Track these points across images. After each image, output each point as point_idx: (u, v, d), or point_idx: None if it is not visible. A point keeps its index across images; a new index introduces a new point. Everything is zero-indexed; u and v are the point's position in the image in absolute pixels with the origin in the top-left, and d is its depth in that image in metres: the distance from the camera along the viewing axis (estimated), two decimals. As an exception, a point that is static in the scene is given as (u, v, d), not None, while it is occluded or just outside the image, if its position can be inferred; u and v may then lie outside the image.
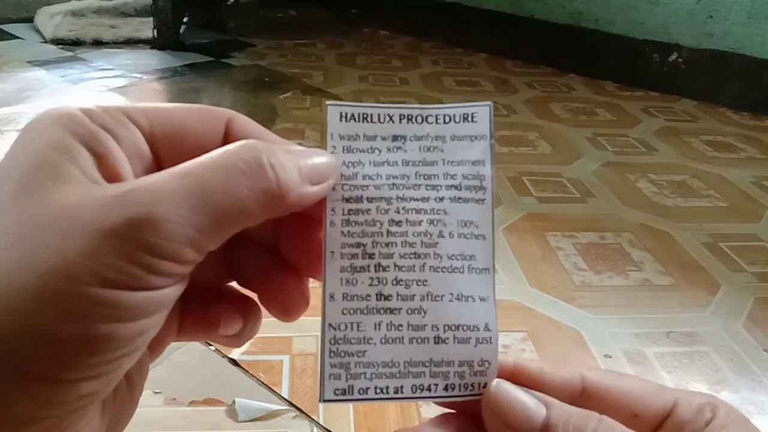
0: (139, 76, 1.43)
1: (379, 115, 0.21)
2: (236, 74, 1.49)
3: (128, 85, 1.37)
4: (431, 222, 0.20)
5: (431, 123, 0.21)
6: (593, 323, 0.66)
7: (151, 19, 1.66)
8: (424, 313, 0.20)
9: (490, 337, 0.20)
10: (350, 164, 0.20)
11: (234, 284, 0.22)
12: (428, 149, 0.21)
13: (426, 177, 0.20)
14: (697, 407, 0.19)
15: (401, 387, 0.19)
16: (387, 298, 0.19)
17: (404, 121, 0.21)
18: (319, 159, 0.19)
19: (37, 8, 1.87)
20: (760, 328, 0.67)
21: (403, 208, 0.20)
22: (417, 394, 0.19)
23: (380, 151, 0.20)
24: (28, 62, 1.47)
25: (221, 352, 0.58)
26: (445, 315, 0.20)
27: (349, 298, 0.19)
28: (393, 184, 0.20)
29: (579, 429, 0.18)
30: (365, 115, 0.21)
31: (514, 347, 0.62)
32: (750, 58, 1.36)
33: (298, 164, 0.18)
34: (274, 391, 0.54)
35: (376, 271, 0.20)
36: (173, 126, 0.19)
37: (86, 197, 0.15)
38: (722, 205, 0.96)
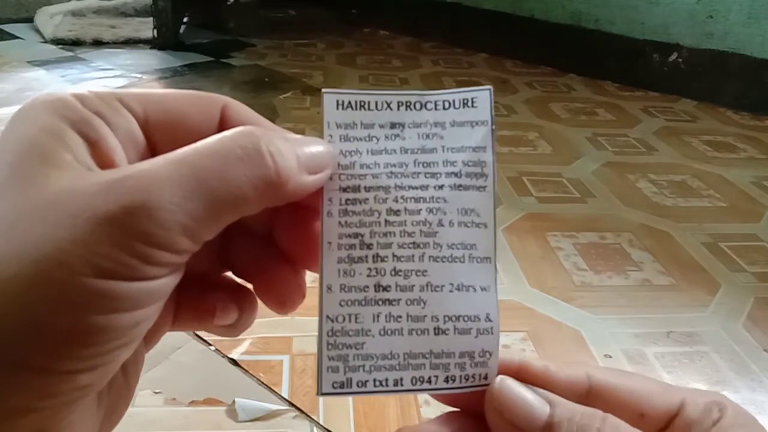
0: (139, 76, 1.43)
1: (376, 103, 0.20)
2: (236, 74, 1.49)
3: (128, 85, 1.36)
4: (430, 211, 0.19)
5: (430, 109, 0.20)
6: (593, 323, 0.66)
7: (151, 19, 1.65)
8: (424, 303, 0.19)
9: (491, 328, 0.19)
10: (347, 153, 0.20)
11: (229, 274, 0.22)
12: (427, 136, 0.20)
13: (425, 165, 0.20)
14: (704, 407, 0.18)
15: (401, 379, 0.19)
16: (386, 289, 0.19)
17: (402, 108, 0.20)
18: (317, 148, 0.18)
19: (37, 8, 1.86)
20: (760, 328, 0.66)
21: (402, 197, 0.19)
22: (417, 387, 0.19)
23: (378, 140, 0.20)
24: (28, 62, 1.47)
25: (221, 352, 0.58)
26: (445, 305, 0.19)
27: (346, 289, 0.19)
28: (391, 173, 0.20)
29: (583, 427, 0.17)
30: (362, 103, 0.20)
31: (514, 347, 0.61)
32: (750, 58, 1.36)
33: (296, 153, 0.17)
34: (274, 391, 0.54)
35: (374, 261, 0.19)
36: (168, 112, 0.18)
37: (80, 183, 0.15)
38: (722, 205, 0.95)
